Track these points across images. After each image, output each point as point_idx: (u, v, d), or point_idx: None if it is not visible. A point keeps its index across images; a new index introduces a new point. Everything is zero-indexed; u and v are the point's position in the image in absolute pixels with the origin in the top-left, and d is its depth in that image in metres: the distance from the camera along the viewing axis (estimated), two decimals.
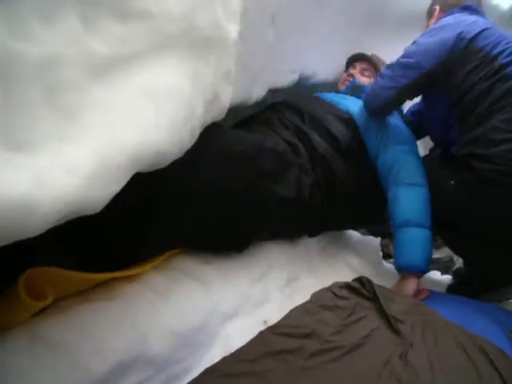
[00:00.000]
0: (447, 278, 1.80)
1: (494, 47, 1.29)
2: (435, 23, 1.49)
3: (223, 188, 1.00)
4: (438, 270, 1.91)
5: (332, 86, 1.91)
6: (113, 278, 0.88)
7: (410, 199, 1.34)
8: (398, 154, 1.43)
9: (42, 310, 0.75)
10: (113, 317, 0.80)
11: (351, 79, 1.78)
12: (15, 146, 0.54)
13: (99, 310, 0.80)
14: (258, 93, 1.43)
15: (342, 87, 1.81)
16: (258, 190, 1.09)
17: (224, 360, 0.77)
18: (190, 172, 0.93)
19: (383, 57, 1.81)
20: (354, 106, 1.57)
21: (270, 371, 0.74)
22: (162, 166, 0.74)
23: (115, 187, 0.62)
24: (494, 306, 1.33)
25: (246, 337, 0.84)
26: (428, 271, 1.35)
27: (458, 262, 1.82)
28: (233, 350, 0.80)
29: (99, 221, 0.69)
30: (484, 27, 1.33)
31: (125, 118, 0.64)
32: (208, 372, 0.74)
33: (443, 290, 1.60)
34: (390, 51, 1.65)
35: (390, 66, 1.47)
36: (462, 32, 1.32)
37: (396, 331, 0.89)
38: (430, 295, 1.28)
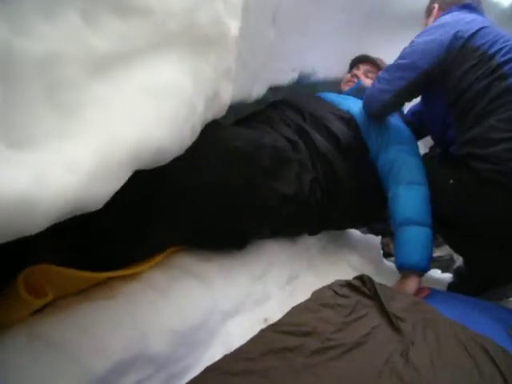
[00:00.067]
0: (448, 276, 1.80)
1: (491, 46, 1.29)
2: (434, 22, 1.48)
3: (223, 185, 0.99)
4: (438, 268, 1.91)
5: (332, 85, 1.91)
6: (112, 276, 0.88)
7: (410, 198, 1.35)
8: (399, 154, 1.43)
9: (42, 309, 0.75)
10: (113, 315, 0.79)
11: (356, 80, 1.79)
12: (15, 143, 0.54)
13: (99, 308, 0.80)
14: (258, 91, 1.43)
15: (345, 87, 1.81)
16: (257, 186, 1.09)
17: (225, 358, 0.77)
18: (190, 170, 0.93)
19: (383, 55, 1.81)
20: (355, 106, 1.57)
21: (270, 369, 0.73)
22: (162, 163, 0.74)
23: (115, 185, 0.62)
24: (495, 304, 1.33)
25: (247, 335, 0.84)
26: (429, 270, 1.35)
27: (459, 261, 1.82)
28: (233, 348, 0.80)
29: (99, 218, 0.69)
30: (481, 26, 1.33)
31: (125, 115, 0.64)
32: (209, 370, 0.74)
33: (444, 288, 1.59)
34: (390, 50, 1.64)
35: (387, 69, 1.47)
36: (458, 31, 1.32)
37: (397, 329, 0.89)
38: (431, 293, 1.28)
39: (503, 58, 1.26)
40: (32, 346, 0.68)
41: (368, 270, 1.47)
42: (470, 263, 1.52)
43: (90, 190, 0.57)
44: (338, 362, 0.78)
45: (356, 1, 1.83)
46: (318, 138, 1.40)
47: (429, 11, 1.61)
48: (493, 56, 1.27)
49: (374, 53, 1.89)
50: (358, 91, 1.69)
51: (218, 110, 0.96)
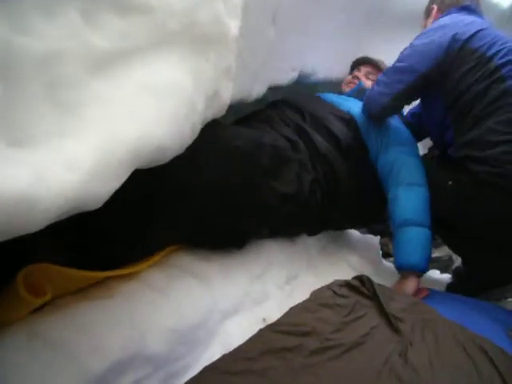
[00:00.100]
0: (446, 277, 1.80)
1: (490, 48, 1.29)
2: (432, 23, 1.49)
3: (222, 185, 0.99)
4: (437, 268, 1.92)
5: (332, 85, 1.91)
6: (111, 276, 0.88)
7: (409, 199, 1.35)
8: (398, 155, 1.43)
9: (41, 308, 0.75)
10: (111, 314, 0.79)
11: (357, 82, 1.79)
12: (16, 141, 0.54)
13: (97, 307, 0.79)
14: (258, 90, 1.43)
15: (346, 88, 1.82)
16: (257, 186, 1.09)
17: (223, 358, 0.77)
18: (190, 169, 0.92)
19: (383, 55, 1.81)
20: (355, 107, 1.57)
21: (269, 369, 0.73)
22: (162, 162, 0.74)
23: (115, 183, 0.62)
24: (494, 304, 1.33)
25: (246, 334, 0.84)
26: (428, 270, 1.35)
27: (458, 261, 1.82)
28: (232, 347, 0.80)
29: (98, 217, 0.69)
30: (480, 28, 1.33)
31: (125, 113, 0.64)
32: (207, 370, 0.74)
33: (442, 288, 1.60)
34: (390, 50, 1.65)
35: (385, 72, 1.48)
36: (457, 33, 1.32)
37: (396, 329, 0.89)
38: (430, 294, 1.28)
39: (501, 61, 1.26)
40: (31, 344, 0.68)
41: (367, 271, 1.47)
42: (468, 264, 1.53)
43: (90, 188, 0.57)
44: (337, 362, 0.78)
45: (356, 1, 1.83)
46: (318, 138, 1.40)
47: (427, 12, 1.61)
48: (491, 58, 1.27)
49: (373, 53, 1.90)
50: (359, 92, 1.69)
51: (218, 109, 0.96)
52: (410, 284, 1.27)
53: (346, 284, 1.04)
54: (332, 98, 1.67)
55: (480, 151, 1.21)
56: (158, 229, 0.92)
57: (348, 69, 1.94)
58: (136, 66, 0.69)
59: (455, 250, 1.59)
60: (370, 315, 0.93)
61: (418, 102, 1.63)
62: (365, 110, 1.51)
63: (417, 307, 1.00)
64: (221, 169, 0.99)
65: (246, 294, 1.09)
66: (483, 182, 1.20)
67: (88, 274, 0.80)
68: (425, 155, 1.64)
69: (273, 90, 1.59)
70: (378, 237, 1.92)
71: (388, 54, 1.65)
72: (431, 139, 1.63)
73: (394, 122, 1.54)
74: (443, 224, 1.36)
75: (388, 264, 1.75)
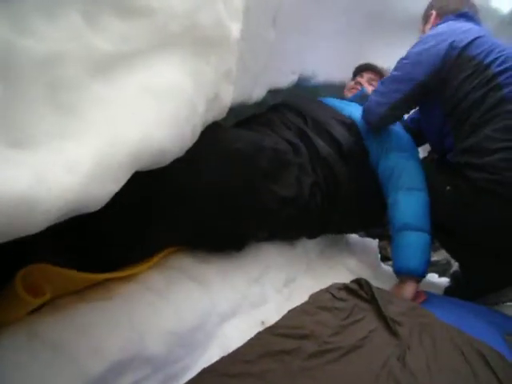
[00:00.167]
0: (445, 281, 1.80)
1: (487, 56, 1.29)
2: (430, 29, 1.49)
3: (223, 187, 0.99)
4: (435, 272, 1.92)
5: (332, 89, 1.92)
6: (110, 277, 0.88)
7: (409, 203, 1.35)
8: (399, 160, 1.44)
9: (40, 308, 0.75)
10: (110, 316, 0.79)
11: (359, 87, 1.80)
12: (16, 142, 0.54)
13: (97, 309, 0.79)
14: (258, 93, 1.43)
15: (348, 94, 1.83)
16: (257, 189, 1.09)
17: (222, 360, 0.77)
18: (190, 171, 0.93)
19: (384, 59, 1.82)
20: (357, 111, 1.58)
21: (268, 372, 0.74)
22: (163, 164, 0.74)
23: (115, 186, 0.62)
24: (491, 308, 1.33)
25: (244, 337, 0.84)
26: (426, 275, 1.35)
27: (455, 265, 1.82)
28: (230, 350, 0.80)
29: (98, 219, 0.69)
30: (477, 35, 1.33)
31: (126, 116, 0.64)
32: (206, 372, 0.74)
33: (440, 292, 1.60)
34: (390, 53, 1.65)
35: (383, 82, 1.48)
36: (454, 41, 1.32)
37: (394, 333, 0.89)
38: (428, 298, 1.28)
39: (498, 68, 1.26)
40: (31, 345, 0.68)
41: (365, 274, 1.47)
42: (466, 270, 1.53)
43: (90, 190, 0.57)
44: (335, 366, 0.78)
45: (357, 4, 1.84)
46: (319, 142, 1.40)
47: (426, 18, 1.61)
48: (488, 66, 1.27)
49: (374, 56, 1.90)
50: (362, 98, 1.69)
51: (219, 111, 0.96)
52: (409, 288, 1.27)
53: (345, 287, 1.04)
54: (334, 102, 1.68)
55: (478, 158, 1.21)
56: (157, 231, 0.92)
57: (348, 72, 1.94)
58: (137, 68, 0.70)
59: (453, 255, 1.60)
60: (368, 319, 0.94)
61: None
62: (363, 120, 1.51)
63: (415, 311, 1.01)
64: (221, 171, 0.99)
65: (245, 297, 1.09)
66: (481, 189, 1.20)
67: (87, 276, 0.80)
68: (424, 158, 1.64)
69: (273, 92, 1.60)
70: (377, 240, 1.92)
71: (388, 58, 1.65)
72: (430, 145, 1.63)
73: (395, 127, 1.54)
74: (441, 229, 1.36)
75: (386, 267, 1.75)
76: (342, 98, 1.80)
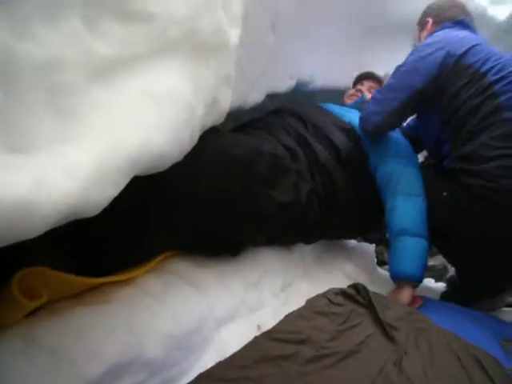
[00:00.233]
0: (441, 286, 1.80)
1: (484, 64, 1.30)
2: (427, 37, 1.49)
3: (221, 192, 1.00)
4: (432, 277, 1.92)
5: (330, 94, 1.93)
6: (108, 282, 0.87)
7: (407, 209, 1.36)
8: (397, 166, 1.44)
9: (37, 312, 0.75)
10: (108, 320, 0.79)
11: (359, 95, 1.81)
12: (16, 147, 0.54)
13: (94, 312, 0.79)
14: (254, 98, 1.44)
15: (348, 101, 1.84)
16: (255, 194, 1.09)
17: (218, 365, 0.77)
18: (189, 176, 0.93)
19: (383, 63, 1.83)
20: (356, 118, 1.58)
21: (265, 377, 0.74)
22: (162, 169, 0.74)
23: (114, 190, 0.62)
24: (487, 314, 1.34)
25: (240, 341, 0.84)
26: (423, 280, 1.35)
27: (452, 270, 1.83)
28: (227, 354, 0.80)
29: (97, 224, 0.69)
30: (474, 43, 1.34)
31: (126, 120, 0.64)
32: (202, 377, 0.74)
33: (437, 297, 1.60)
34: (389, 58, 1.66)
35: (380, 90, 1.49)
36: (450, 49, 1.33)
37: (391, 338, 0.89)
38: (424, 303, 1.29)
39: (494, 77, 1.27)
40: (28, 348, 0.68)
41: (362, 279, 1.47)
42: (462, 276, 1.53)
43: (89, 195, 0.57)
44: (333, 371, 0.78)
45: (355, 9, 1.85)
46: (319, 148, 1.40)
47: (422, 25, 1.62)
48: (485, 74, 1.28)
49: (372, 61, 1.92)
50: (361, 105, 1.70)
51: (217, 116, 0.97)
52: (405, 294, 1.27)
53: (342, 292, 1.04)
54: (334, 108, 1.68)
55: (474, 165, 1.22)
56: (156, 235, 0.92)
57: (346, 77, 1.95)
58: (137, 73, 0.70)
59: (450, 260, 1.60)
60: (365, 324, 0.94)
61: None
62: (361, 128, 1.52)
63: (412, 316, 1.01)
64: (219, 177, 0.99)
65: (242, 302, 1.09)
66: (476, 195, 1.20)
67: (84, 280, 0.80)
68: (421, 163, 1.65)
69: (270, 97, 1.60)
70: (373, 245, 1.93)
71: (387, 63, 1.67)
72: (428, 152, 1.63)
73: (394, 133, 1.55)
74: (438, 234, 1.37)
75: (383, 272, 1.75)
76: (342, 104, 1.81)
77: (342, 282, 1.26)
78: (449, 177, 1.30)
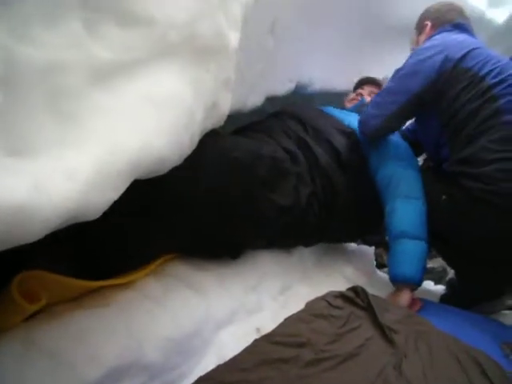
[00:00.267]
0: (440, 288, 1.80)
1: (482, 67, 1.30)
2: (425, 40, 1.50)
3: (221, 196, 1.00)
4: (431, 279, 1.92)
5: (329, 96, 1.93)
6: (107, 285, 0.87)
7: (407, 211, 1.35)
8: (396, 169, 1.44)
9: (37, 315, 0.75)
10: (107, 323, 0.79)
11: (359, 98, 1.82)
12: (16, 150, 0.54)
13: (94, 316, 0.79)
14: (253, 101, 1.44)
15: (349, 105, 1.85)
16: (255, 197, 1.09)
17: (218, 368, 0.77)
18: (189, 179, 0.93)
19: (382, 67, 1.83)
20: (356, 121, 1.58)
21: (265, 380, 0.73)
22: (161, 172, 0.74)
23: (114, 194, 0.62)
24: (487, 317, 1.33)
25: (240, 344, 0.84)
26: (421, 284, 1.35)
27: (451, 272, 1.83)
28: (226, 357, 0.80)
29: (97, 226, 0.69)
30: (472, 47, 1.34)
31: (126, 124, 0.64)
32: (202, 380, 0.74)
33: (436, 300, 1.60)
34: (388, 61, 1.66)
35: (379, 94, 1.49)
36: (449, 53, 1.33)
37: (390, 341, 0.89)
38: (424, 305, 1.29)
39: (493, 80, 1.27)
40: (27, 352, 0.68)
41: (361, 281, 1.47)
42: (462, 279, 1.53)
43: (89, 198, 0.57)
44: (332, 373, 0.78)
45: (354, 13, 1.85)
46: (319, 151, 1.41)
47: (420, 28, 1.61)
48: (484, 77, 1.28)
49: (371, 64, 1.92)
50: (361, 108, 1.71)
51: (217, 119, 0.97)
52: (405, 296, 1.27)
53: (341, 295, 1.04)
54: (334, 112, 1.69)
55: (474, 168, 1.22)
56: (155, 239, 0.93)
57: (345, 80, 1.96)
58: (137, 76, 0.70)
59: (450, 263, 1.60)
60: (364, 326, 0.94)
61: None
62: (360, 131, 1.52)
63: (411, 319, 1.01)
64: (219, 180, 0.99)
65: (241, 305, 1.09)
66: (476, 198, 1.20)
67: (84, 283, 0.80)
68: (420, 166, 1.65)
69: (270, 100, 1.61)
70: (373, 247, 1.92)
71: (386, 66, 1.67)
72: (427, 155, 1.64)
73: (393, 136, 1.55)
74: (438, 237, 1.37)
75: (382, 275, 1.75)
76: (342, 107, 1.82)
77: (342, 285, 1.25)
78: (448, 180, 1.30)
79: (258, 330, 1.06)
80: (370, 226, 1.68)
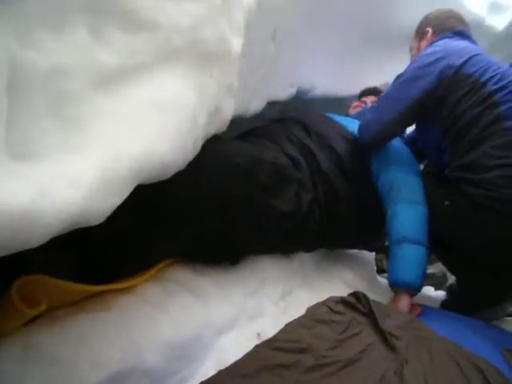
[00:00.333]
0: (441, 294, 1.80)
1: (483, 74, 1.30)
2: (426, 47, 1.50)
3: (223, 201, 1.00)
4: (431, 285, 1.92)
5: (330, 102, 1.93)
6: (108, 289, 0.87)
7: (408, 216, 1.35)
8: (398, 174, 1.44)
9: (37, 320, 0.74)
10: (108, 328, 0.79)
11: (363, 106, 1.83)
12: (19, 155, 0.54)
13: (95, 320, 0.79)
14: (256, 106, 1.45)
15: (352, 112, 1.86)
16: (256, 203, 1.09)
17: (220, 374, 0.77)
18: (191, 185, 0.93)
19: (383, 72, 1.84)
20: None
21: None
22: (165, 177, 0.74)
23: (117, 199, 0.62)
24: (489, 323, 1.33)
25: (240, 350, 0.84)
26: (421, 289, 1.35)
27: (452, 278, 1.82)
28: (227, 362, 0.80)
29: (99, 231, 0.69)
30: (473, 53, 1.35)
31: (130, 129, 0.65)
32: None
33: (437, 306, 1.59)
34: (389, 67, 1.67)
35: (379, 99, 1.49)
36: (450, 59, 1.33)
37: (391, 347, 0.89)
38: (424, 311, 1.28)
39: (494, 87, 1.27)
40: (27, 357, 0.68)
41: (361, 287, 1.46)
42: (463, 285, 1.53)
43: (93, 204, 0.57)
44: (333, 379, 0.78)
45: (356, 18, 1.86)
46: (321, 157, 1.40)
47: (421, 34, 1.62)
48: (484, 84, 1.28)
49: (372, 70, 1.92)
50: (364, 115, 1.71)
51: (220, 125, 0.97)
52: (404, 302, 1.27)
53: (342, 300, 1.03)
54: (338, 118, 1.69)
55: (475, 174, 1.22)
56: (157, 244, 0.92)
57: (346, 86, 1.97)
58: (141, 81, 0.70)
59: (451, 269, 1.59)
60: (365, 332, 0.93)
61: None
62: (359, 137, 1.52)
63: (412, 324, 1.00)
64: (221, 186, 0.99)
65: (242, 310, 1.09)
66: (477, 205, 1.20)
67: (84, 288, 0.80)
68: (422, 170, 1.65)
69: (270, 105, 1.61)
70: (373, 253, 1.92)
71: (387, 72, 1.67)
72: (428, 160, 1.64)
73: (395, 142, 1.55)
74: (440, 243, 1.36)
75: (382, 280, 1.75)
76: (345, 114, 1.83)
77: (342, 290, 1.25)
78: (450, 186, 1.30)
79: (258, 335, 1.06)
80: (372, 232, 1.67)
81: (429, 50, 1.42)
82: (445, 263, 1.58)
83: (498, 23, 2.43)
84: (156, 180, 0.72)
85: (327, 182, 1.38)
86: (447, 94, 1.32)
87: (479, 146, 1.24)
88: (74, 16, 0.65)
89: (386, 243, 1.58)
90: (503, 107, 1.24)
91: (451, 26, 1.52)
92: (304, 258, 1.46)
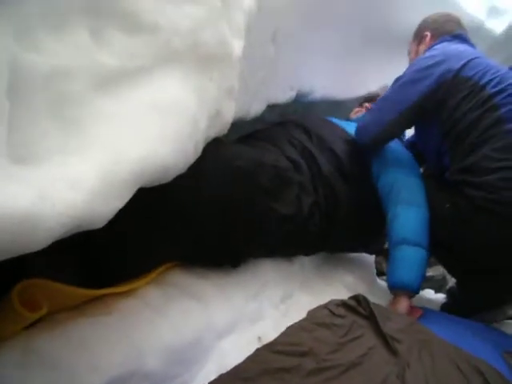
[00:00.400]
0: (441, 297, 1.80)
1: (482, 77, 1.31)
2: (425, 51, 1.51)
3: (224, 204, 1.00)
4: (431, 288, 1.92)
5: (330, 105, 1.94)
6: (109, 293, 0.87)
7: (408, 218, 1.35)
8: (398, 176, 1.44)
9: (37, 323, 0.74)
10: (109, 332, 0.79)
11: (364, 110, 1.84)
12: (20, 157, 0.54)
13: (95, 324, 0.79)
14: (256, 108, 1.44)
15: (353, 116, 1.87)
16: (257, 206, 1.09)
17: (221, 377, 0.76)
18: (191, 188, 0.93)
19: (383, 75, 1.84)
20: None
21: None
22: (166, 181, 0.74)
23: (119, 202, 0.62)
24: (489, 326, 1.33)
25: (241, 353, 0.84)
26: (419, 291, 1.34)
27: (451, 281, 1.82)
28: (228, 366, 0.79)
29: (99, 235, 0.69)
30: (472, 57, 1.35)
31: (130, 132, 0.64)
32: None
33: (437, 308, 1.59)
34: (389, 69, 1.67)
35: (378, 102, 1.49)
36: (449, 63, 1.34)
37: (393, 350, 0.88)
38: (424, 314, 1.28)
39: (494, 90, 1.28)
40: (28, 361, 0.67)
41: (361, 289, 1.46)
42: (463, 288, 1.53)
43: (94, 207, 0.57)
44: (334, 383, 0.77)
45: (355, 21, 1.86)
46: (322, 160, 1.40)
47: (420, 38, 1.62)
48: (484, 87, 1.29)
49: (372, 72, 1.93)
50: None
51: (220, 128, 0.97)
52: (403, 304, 1.26)
53: (343, 304, 1.03)
54: (341, 122, 1.69)
55: (476, 177, 1.22)
56: (158, 247, 0.92)
57: (346, 88, 1.97)
58: (141, 84, 0.70)
59: (451, 272, 1.60)
60: (367, 336, 0.93)
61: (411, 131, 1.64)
62: (357, 139, 1.52)
63: (413, 327, 1.00)
64: (222, 189, 0.99)
65: (242, 313, 1.08)
66: (479, 207, 1.20)
67: (85, 292, 0.79)
68: (422, 173, 1.65)
69: (270, 107, 1.61)
70: (373, 255, 1.92)
71: (387, 74, 1.67)
72: (429, 164, 1.64)
73: (395, 144, 1.55)
74: (440, 245, 1.36)
75: (382, 283, 1.74)
76: (344, 117, 1.83)
77: (342, 294, 1.25)
78: (451, 188, 1.31)
79: (259, 338, 1.06)
80: (372, 234, 1.67)
81: (428, 54, 1.42)
82: (445, 265, 1.59)
83: (497, 27, 2.43)
84: (157, 183, 0.72)
85: (328, 186, 1.38)
86: (447, 97, 1.32)
87: (479, 148, 1.24)
88: (74, 17, 0.65)
89: (386, 245, 1.58)
90: (503, 110, 1.24)
91: (450, 30, 1.52)
92: (304, 261, 1.46)
